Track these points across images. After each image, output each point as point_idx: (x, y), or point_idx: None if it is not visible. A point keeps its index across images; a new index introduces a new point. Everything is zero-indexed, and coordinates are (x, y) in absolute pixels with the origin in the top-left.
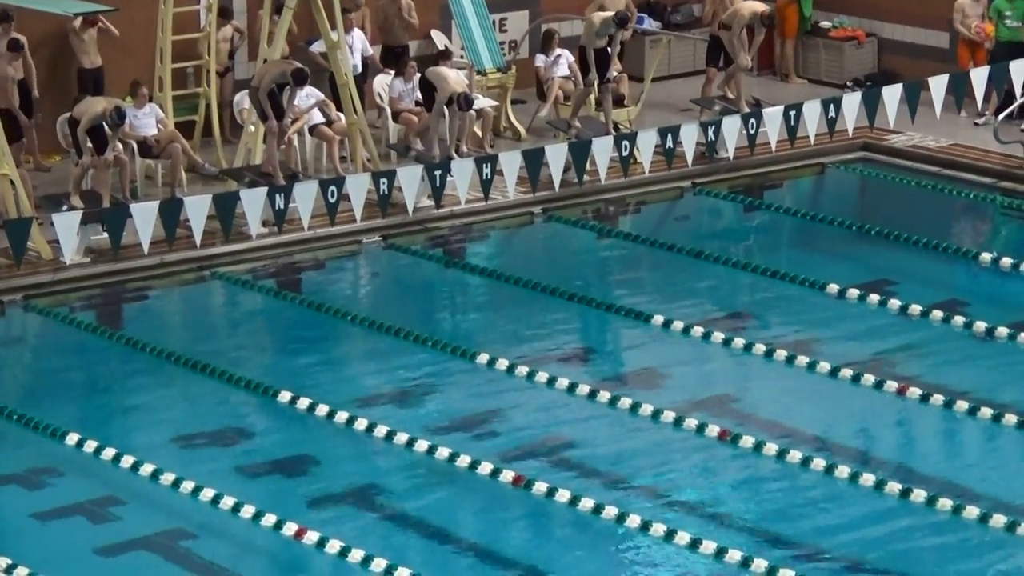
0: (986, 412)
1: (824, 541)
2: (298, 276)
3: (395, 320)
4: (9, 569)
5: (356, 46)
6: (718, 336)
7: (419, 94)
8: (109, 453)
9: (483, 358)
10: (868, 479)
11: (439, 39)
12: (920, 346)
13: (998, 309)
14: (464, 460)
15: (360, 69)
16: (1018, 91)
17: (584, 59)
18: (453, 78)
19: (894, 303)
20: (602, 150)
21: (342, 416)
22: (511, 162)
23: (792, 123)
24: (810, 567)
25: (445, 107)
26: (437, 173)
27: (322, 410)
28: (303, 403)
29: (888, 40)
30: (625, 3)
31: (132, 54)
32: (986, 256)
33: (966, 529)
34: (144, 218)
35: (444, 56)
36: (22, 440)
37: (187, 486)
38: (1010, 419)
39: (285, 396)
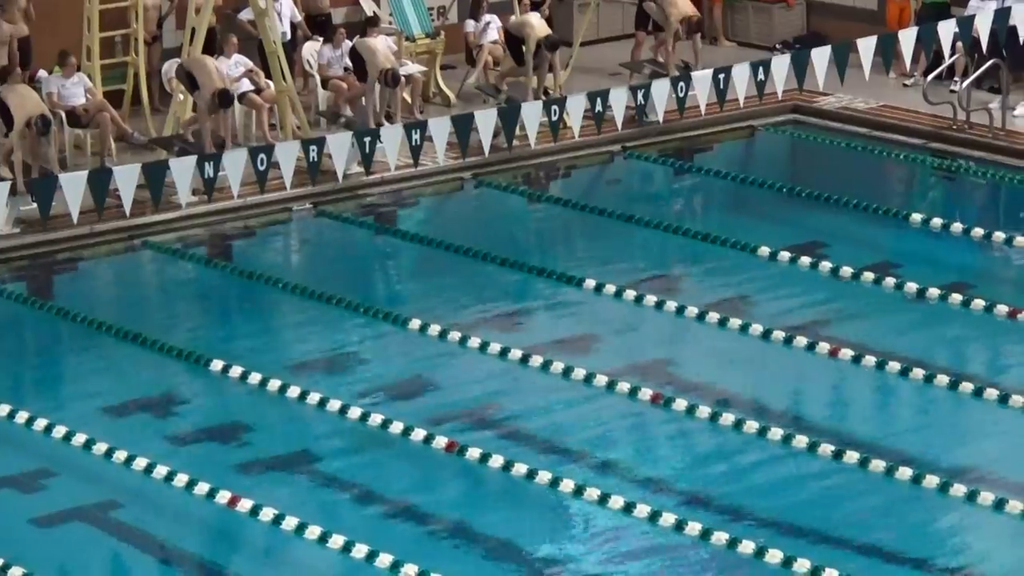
0: (918, 373)
1: (758, 503)
2: (228, 244)
3: (326, 287)
4: None
5: (285, 13)
6: (650, 299)
7: (348, 61)
8: (41, 424)
9: (415, 324)
10: (801, 441)
11: (367, 5)
12: (852, 308)
13: (929, 270)
14: (397, 426)
15: (289, 36)
16: (946, 52)
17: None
18: (382, 52)
19: (825, 265)
20: (532, 115)
21: (275, 383)
22: (441, 128)
23: (721, 86)
24: (743, 529)
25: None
26: (367, 140)
27: (255, 378)
28: (235, 371)
29: (817, 2)
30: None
31: (59, 23)
32: (917, 217)
33: (899, 490)
34: (73, 188)
35: (372, 23)
36: None
37: (120, 456)
38: (942, 380)
39: (217, 364)
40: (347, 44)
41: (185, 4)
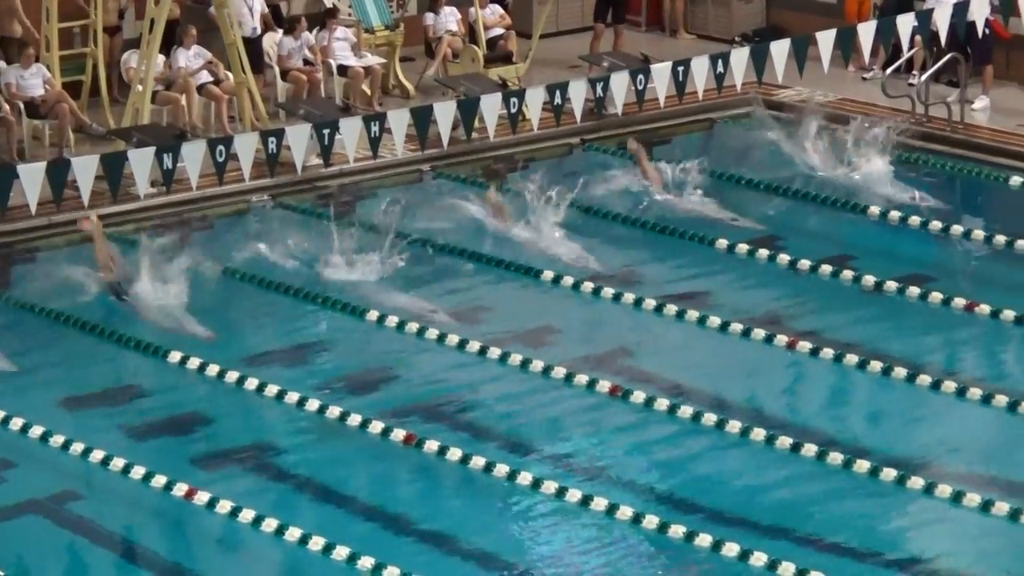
0: (876, 366)
1: (715, 495)
2: (189, 235)
3: (285, 279)
4: None
5: (256, 7)
6: (608, 292)
7: (307, 52)
8: None
9: (373, 316)
10: (759, 433)
11: None
12: (810, 300)
13: (886, 263)
14: (355, 419)
15: (260, 31)
16: (905, 45)
17: None
18: None
19: (784, 258)
20: (490, 107)
21: (232, 375)
22: (399, 120)
23: (681, 79)
24: (701, 522)
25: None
26: (325, 132)
27: (212, 370)
28: (193, 362)
29: None
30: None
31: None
32: (875, 210)
33: (856, 482)
34: (31, 179)
35: (331, 14)
36: None
37: (77, 448)
38: (899, 372)
39: (175, 356)
40: (307, 35)
41: None
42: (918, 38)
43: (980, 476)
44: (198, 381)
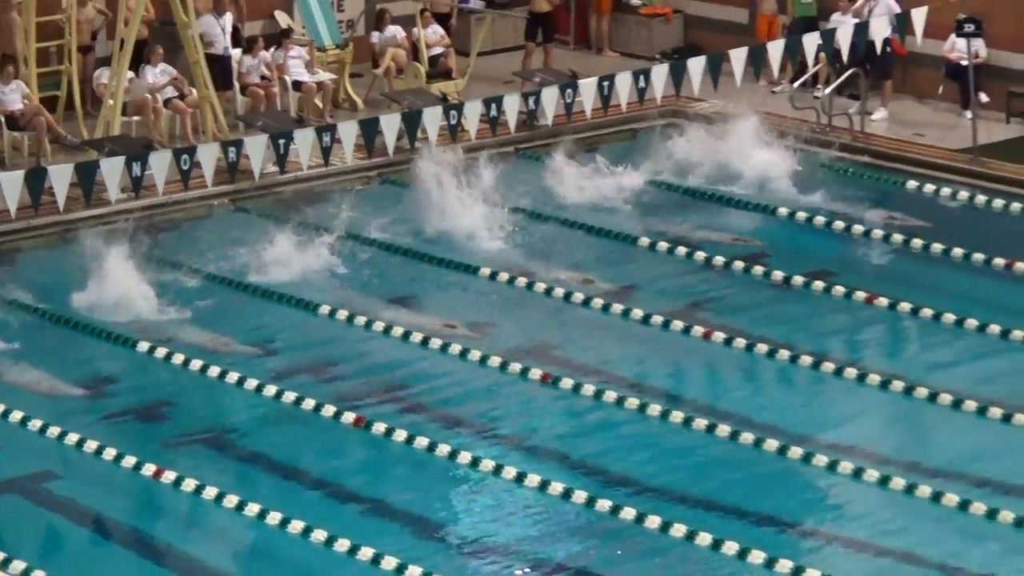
0: (784, 354)
1: (637, 473)
2: (155, 237)
3: (245, 277)
4: None
5: (227, 28)
6: (540, 287)
7: (264, 69)
8: None
9: (324, 309)
10: (677, 416)
11: (282, 18)
12: (724, 294)
13: (794, 260)
14: (309, 403)
15: (231, 51)
16: (810, 62)
17: None
18: None
19: (700, 255)
20: (432, 119)
21: (196, 364)
22: (349, 131)
23: (606, 92)
24: (625, 496)
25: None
26: (281, 142)
27: (178, 358)
28: (160, 352)
29: (693, 16)
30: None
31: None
32: (783, 211)
33: (766, 461)
34: (11, 185)
35: (286, 34)
36: None
37: (53, 431)
38: (805, 361)
39: (144, 346)
40: (264, 54)
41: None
42: (822, 55)
43: (879, 454)
44: (165, 369)
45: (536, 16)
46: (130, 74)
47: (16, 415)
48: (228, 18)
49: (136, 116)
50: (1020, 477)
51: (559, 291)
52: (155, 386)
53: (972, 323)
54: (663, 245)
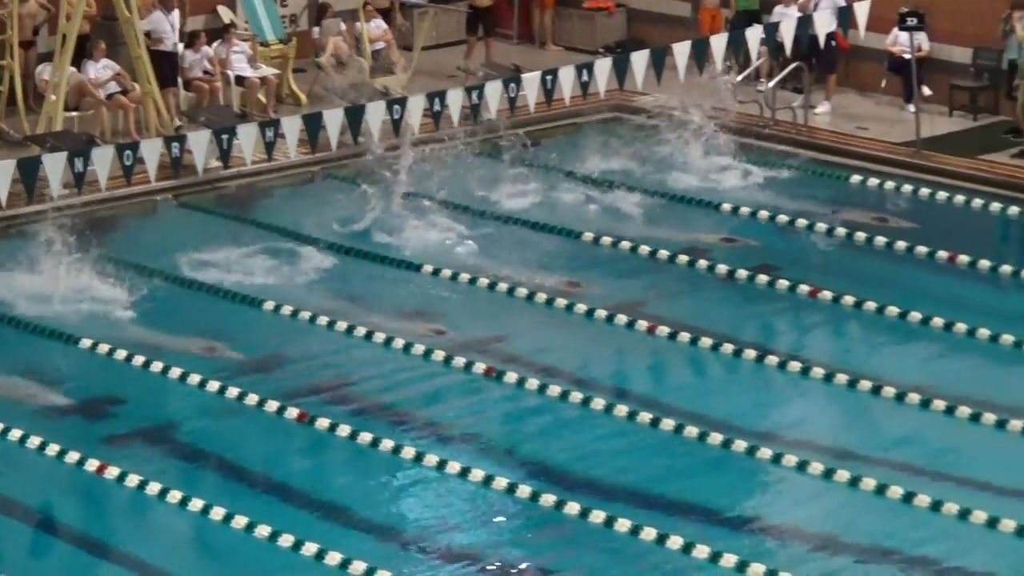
0: (728, 348)
1: (582, 467)
2: (99, 233)
3: (188, 272)
4: None
5: (176, 25)
6: (483, 282)
7: (207, 64)
8: None
9: (269, 305)
10: (622, 410)
11: (225, 14)
12: (668, 288)
13: (738, 253)
14: (252, 399)
15: (181, 47)
16: (754, 56)
17: None
18: None
19: (644, 248)
20: (375, 114)
21: (139, 359)
22: (292, 126)
23: (549, 87)
24: (570, 492)
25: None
26: (224, 137)
27: (120, 354)
28: (103, 348)
29: (636, 10)
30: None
31: None
32: (727, 206)
33: (710, 453)
34: None
35: (229, 29)
36: None
37: None
38: (749, 354)
39: (86, 342)
40: (206, 49)
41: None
42: (764, 48)
43: (822, 447)
44: (108, 365)
45: (476, 10)
46: (72, 69)
47: None
48: (176, 15)
49: (75, 111)
50: (963, 468)
51: (503, 287)
52: (98, 382)
53: (916, 316)
54: (607, 240)
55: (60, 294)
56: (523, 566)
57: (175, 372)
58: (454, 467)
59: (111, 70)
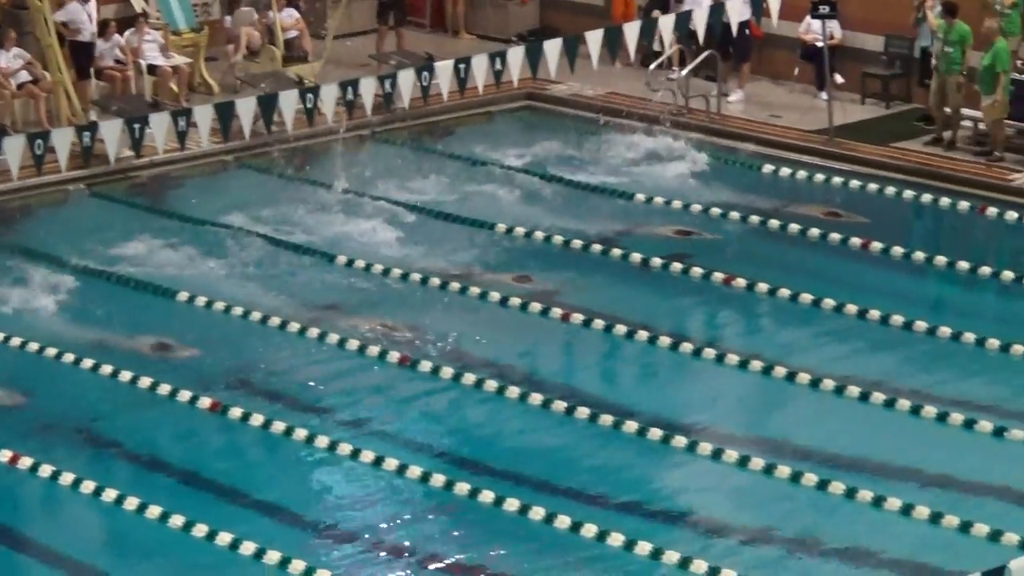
0: (642, 335)
1: (497, 456)
2: (8, 222)
3: (102, 263)
4: None
5: (94, 15)
6: (396, 272)
7: (119, 53)
8: None
9: (183, 296)
10: (536, 399)
11: (137, 2)
12: (582, 277)
13: (651, 242)
14: (165, 388)
15: (98, 36)
16: (667, 44)
17: None
18: None
19: (558, 239)
20: (288, 103)
21: (51, 351)
22: (205, 115)
23: (462, 75)
24: (483, 480)
25: None
26: (136, 126)
27: (33, 346)
28: (15, 341)
29: None
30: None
31: None
32: (640, 194)
33: (625, 442)
34: None
35: (140, 18)
36: None
37: None
38: (664, 341)
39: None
40: (117, 37)
41: None
42: (676, 36)
43: (737, 435)
44: (22, 358)
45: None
46: None
47: None
48: (93, 4)
49: None
50: (878, 455)
51: (416, 276)
52: (10, 374)
53: (829, 303)
54: (520, 230)
55: None
56: (436, 552)
57: (87, 363)
58: (368, 456)
59: (22, 59)
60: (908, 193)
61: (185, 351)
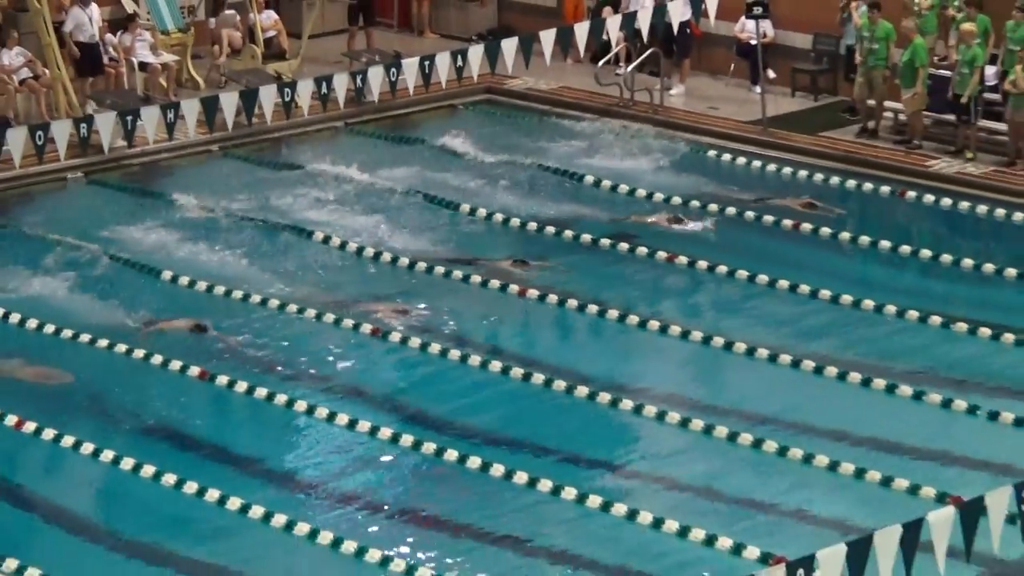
0: (592, 308)
1: (460, 418)
2: (10, 208)
3: (97, 244)
4: None
5: (95, 18)
6: (369, 252)
7: (112, 51)
8: None
9: (167, 275)
10: (496, 366)
11: (128, 4)
12: (542, 255)
13: (601, 226)
14: (157, 359)
15: (98, 37)
16: (614, 41)
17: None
18: None
19: (515, 221)
20: (268, 97)
21: (32, 323)
22: (191, 108)
23: (427, 71)
24: (449, 440)
25: None
26: (129, 118)
27: (15, 318)
28: (14, 317)
29: (506, 0)
30: None
31: None
32: (590, 178)
33: (578, 406)
34: None
35: (132, 19)
36: None
37: None
38: (612, 314)
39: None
40: (110, 37)
41: None
42: (623, 35)
43: (679, 398)
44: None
45: (358, 1)
46: None
47: None
48: (94, 7)
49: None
50: (807, 415)
51: (387, 256)
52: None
53: (763, 279)
54: (482, 211)
55: None
56: (406, 509)
57: (67, 333)
58: (343, 419)
59: (23, 57)
60: (835, 179)
61: (177, 323)
